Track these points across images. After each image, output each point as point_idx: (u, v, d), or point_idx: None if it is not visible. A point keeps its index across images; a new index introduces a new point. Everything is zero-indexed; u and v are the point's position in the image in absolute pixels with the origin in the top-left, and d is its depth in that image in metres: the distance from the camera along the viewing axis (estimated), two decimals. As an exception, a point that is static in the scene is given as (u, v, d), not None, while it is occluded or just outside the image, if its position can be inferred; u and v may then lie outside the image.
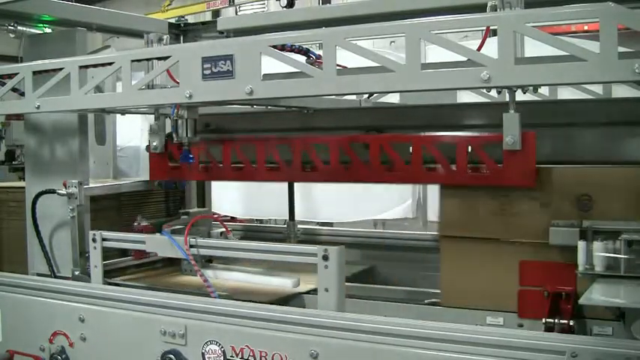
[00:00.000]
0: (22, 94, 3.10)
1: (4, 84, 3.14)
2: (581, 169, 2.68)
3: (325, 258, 2.50)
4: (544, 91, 3.40)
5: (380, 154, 2.83)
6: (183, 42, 4.10)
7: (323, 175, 2.92)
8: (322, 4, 10.57)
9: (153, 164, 3.44)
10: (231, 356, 2.48)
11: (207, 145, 3.22)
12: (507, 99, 2.40)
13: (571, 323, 2.45)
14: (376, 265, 3.75)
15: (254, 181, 3.21)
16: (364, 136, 3.02)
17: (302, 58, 2.72)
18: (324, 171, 2.92)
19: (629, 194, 2.54)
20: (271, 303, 2.67)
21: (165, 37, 2.99)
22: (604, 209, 2.55)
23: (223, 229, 3.44)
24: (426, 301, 3.06)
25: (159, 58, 2.74)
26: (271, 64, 2.45)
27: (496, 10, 2.15)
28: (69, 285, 3.04)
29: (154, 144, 3.27)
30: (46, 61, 3.03)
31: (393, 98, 4.12)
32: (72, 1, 3.61)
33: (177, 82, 2.66)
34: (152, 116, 3.37)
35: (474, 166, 2.62)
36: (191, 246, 2.89)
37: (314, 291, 2.97)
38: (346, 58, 2.40)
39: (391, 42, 5.92)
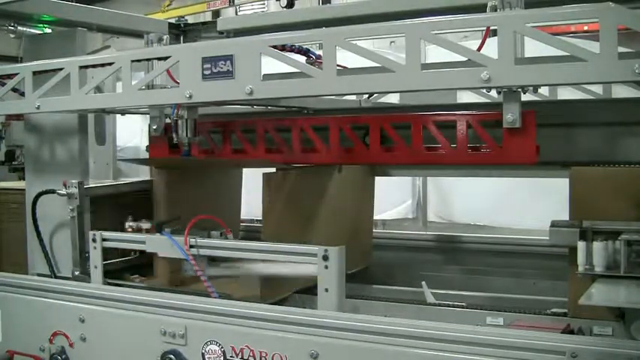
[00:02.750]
0: (22, 94, 3.10)
1: (4, 84, 3.14)
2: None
3: (325, 258, 2.50)
4: (544, 91, 3.40)
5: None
6: (183, 42, 4.10)
7: (323, 156, 2.91)
8: (322, 4, 10.58)
9: (152, 147, 3.42)
10: (231, 356, 2.48)
11: (207, 128, 3.20)
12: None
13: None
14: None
15: (253, 162, 3.18)
16: (364, 117, 3.00)
17: (302, 58, 2.72)
18: (324, 152, 2.90)
19: (629, 194, 2.54)
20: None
21: (165, 37, 2.98)
22: (604, 209, 2.55)
23: (223, 229, 3.44)
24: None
25: (159, 59, 2.74)
26: (271, 64, 2.46)
27: (496, 10, 2.15)
28: (69, 285, 3.03)
29: (154, 127, 3.25)
30: (46, 61, 3.03)
31: (393, 98, 4.12)
32: (72, 1, 3.61)
33: (177, 83, 2.66)
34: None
35: (475, 145, 2.60)
36: (191, 246, 2.89)
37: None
38: (346, 58, 2.40)
39: (391, 42, 5.92)
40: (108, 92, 3.25)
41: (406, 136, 2.73)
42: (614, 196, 2.56)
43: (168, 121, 3.15)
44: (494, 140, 2.53)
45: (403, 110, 3.52)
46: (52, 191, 3.32)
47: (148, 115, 3.32)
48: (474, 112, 2.63)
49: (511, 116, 2.30)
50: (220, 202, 3.65)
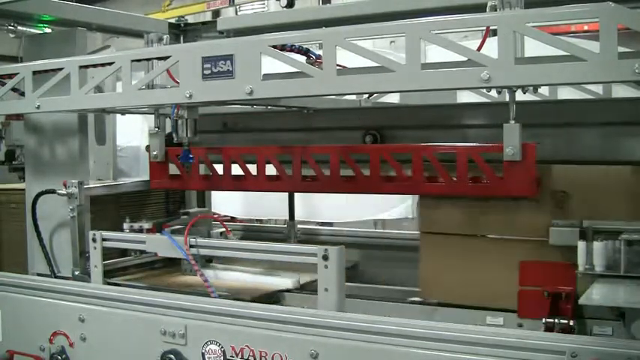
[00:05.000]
0: (22, 94, 3.10)
1: (4, 84, 3.14)
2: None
3: (325, 258, 2.50)
4: (544, 91, 3.39)
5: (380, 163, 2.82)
6: (183, 42, 4.10)
7: (323, 185, 2.92)
8: (322, 4, 10.56)
9: (153, 172, 3.42)
10: (231, 356, 2.48)
11: (207, 153, 3.20)
12: (507, 99, 2.40)
13: (571, 323, 2.45)
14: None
15: (254, 191, 3.20)
16: (364, 146, 3.01)
17: (302, 58, 2.72)
18: (325, 181, 2.91)
19: (628, 194, 2.54)
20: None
21: (165, 37, 2.98)
22: (604, 209, 2.55)
23: (223, 229, 3.44)
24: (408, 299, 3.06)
25: (159, 58, 2.74)
26: (271, 64, 2.45)
27: (496, 10, 2.15)
28: (69, 285, 3.04)
29: (154, 153, 3.26)
30: (46, 61, 3.03)
31: (393, 98, 4.12)
32: (72, 1, 3.61)
33: (177, 82, 2.66)
34: (152, 116, 3.37)
35: (475, 176, 2.61)
36: (191, 246, 2.89)
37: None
38: (346, 58, 2.40)
39: (391, 42, 5.91)
40: (108, 92, 3.25)
41: (407, 159, 2.73)
42: (614, 196, 2.56)
43: (168, 126, 3.17)
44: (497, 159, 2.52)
45: (403, 110, 3.52)
46: (52, 191, 3.32)
47: (148, 115, 3.32)
48: (474, 145, 2.64)
49: (511, 149, 2.31)
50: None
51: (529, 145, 2.38)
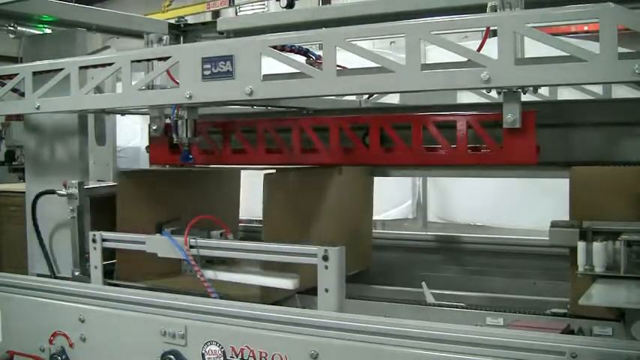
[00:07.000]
0: (22, 94, 3.10)
1: (4, 84, 3.14)
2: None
3: (325, 258, 2.50)
4: (544, 91, 3.40)
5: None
6: (183, 42, 4.10)
7: (323, 157, 2.90)
8: (322, 4, 10.57)
9: (152, 147, 3.41)
10: (231, 356, 2.48)
11: (207, 129, 3.19)
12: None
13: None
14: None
15: (254, 163, 3.19)
16: (364, 117, 3.00)
17: (302, 59, 2.72)
18: (325, 153, 2.89)
19: (629, 194, 2.54)
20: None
21: (165, 37, 2.98)
22: (604, 209, 2.55)
23: (223, 230, 3.43)
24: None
25: (159, 59, 2.74)
26: (271, 65, 2.46)
27: (496, 11, 2.15)
28: (69, 285, 3.04)
29: (154, 127, 3.25)
30: (46, 61, 3.03)
31: (393, 98, 4.12)
32: (72, 1, 3.61)
33: (177, 83, 2.66)
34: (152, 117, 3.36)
35: (475, 145, 2.60)
36: (191, 246, 2.89)
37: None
38: (346, 58, 2.40)
39: (391, 42, 5.92)
40: (108, 92, 3.25)
41: (406, 137, 2.73)
42: (615, 195, 2.56)
43: (168, 121, 3.15)
44: (495, 140, 2.53)
45: (403, 110, 3.52)
46: (52, 191, 3.32)
47: (148, 115, 3.32)
48: (474, 113, 2.63)
49: (511, 116, 2.29)
50: (218, 203, 3.64)
51: (529, 112, 2.36)
